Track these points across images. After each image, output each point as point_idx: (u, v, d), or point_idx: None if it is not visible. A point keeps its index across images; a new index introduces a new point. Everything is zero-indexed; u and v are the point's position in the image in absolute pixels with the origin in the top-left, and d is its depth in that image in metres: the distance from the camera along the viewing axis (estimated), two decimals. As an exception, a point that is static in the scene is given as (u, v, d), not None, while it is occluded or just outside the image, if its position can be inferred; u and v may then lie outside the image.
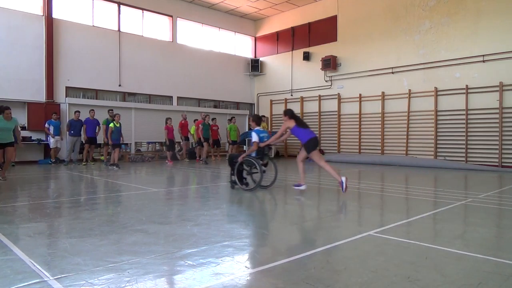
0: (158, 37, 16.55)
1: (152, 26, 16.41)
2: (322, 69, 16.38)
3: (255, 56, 19.92)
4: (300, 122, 6.94)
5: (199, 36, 17.94)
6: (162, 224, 4.32)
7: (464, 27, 12.66)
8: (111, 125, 11.62)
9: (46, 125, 12.47)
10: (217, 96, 18.52)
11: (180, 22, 17.20)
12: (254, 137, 6.97)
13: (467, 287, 2.54)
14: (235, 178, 7.02)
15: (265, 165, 7.18)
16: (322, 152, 16.29)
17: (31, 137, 12.92)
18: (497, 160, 11.89)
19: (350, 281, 2.63)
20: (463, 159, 12.51)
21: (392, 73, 14.46)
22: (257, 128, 7.22)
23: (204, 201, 6.13)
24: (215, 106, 18.53)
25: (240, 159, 6.95)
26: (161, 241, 3.62)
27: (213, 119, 14.96)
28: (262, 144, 6.95)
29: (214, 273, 2.78)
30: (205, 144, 13.79)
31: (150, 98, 16.33)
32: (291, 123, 6.82)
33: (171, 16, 16.84)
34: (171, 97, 16.92)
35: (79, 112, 12.56)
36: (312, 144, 6.69)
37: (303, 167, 6.92)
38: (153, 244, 3.47)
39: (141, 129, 15.39)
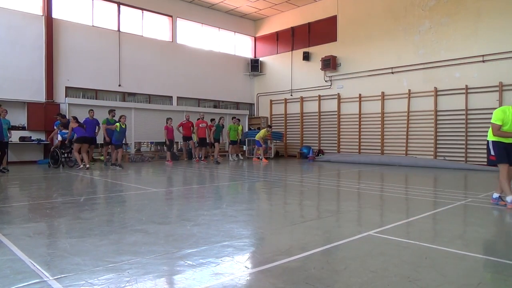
0: (158, 37, 16.55)
1: (152, 26, 16.40)
2: (322, 69, 16.38)
3: (255, 56, 19.92)
4: (80, 124, 11.27)
5: (199, 36, 17.94)
6: (162, 224, 4.32)
7: (464, 27, 12.66)
8: (117, 125, 11.68)
9: (55, 127, 12.52)
10: (217, 96, 18.52)
11: (180, 22, 17.20)
12: (59, 137, 11.70)
13: (467, 287, 2.54)
14: (51, 161, 11.62)
15: (70, 152, 11.72)
16: (322, 152, 16.30)
17: (30, 137, 12.92)
18: (497, 160, 11.87)
19: (350, 281, 2.63)
20: (463, 159, 12.52)
21: (392, 73, 14.46)
22: (63, 130, 11.67)
23: (204, 201, 6.13)
24: (215, 106, 18.53)
25: (52, 149, 11.73)
26: (161, 241, 3.62)
27: (212, 119, 14.99)
28: (66, 141, 11.48)
29: (214, 273, 2.77)
30: (216, 144, 14.20)
31: (150, 98, 16.33)
32: (74, 124, 11.18)
33: (171, 16, 16.84)
34: (171, 97, 16.92)
35: (65, 114, 12.63)
36: (82, 139, 11.06)
37: (80, 155, 11.00)
38: (153, 244, 3.47)
39: (141, 129, 15.39)
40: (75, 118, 11.36)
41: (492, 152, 5.50)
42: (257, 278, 2.74)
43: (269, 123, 18.11)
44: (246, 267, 2.98)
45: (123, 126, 11.80)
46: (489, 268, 2.94)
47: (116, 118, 12.40)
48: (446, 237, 3.87)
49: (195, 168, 12.04)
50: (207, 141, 14.45)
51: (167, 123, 13.90)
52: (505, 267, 2.95)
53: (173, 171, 11.22)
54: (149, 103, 16.21)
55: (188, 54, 17.34)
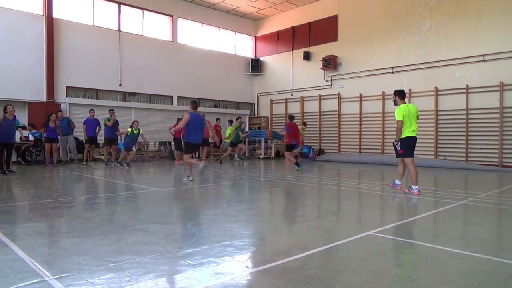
0: (158, 37, 16.54)
1: (152, 25, 16.39)
2: (322, 68, 16.37)
3: (255, 56, 19.91)
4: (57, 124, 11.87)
5: (199, 36, 17.93)
6: (163, 223, 4.33)
7: (464, 27, 12.65)
8: (129, 129, 11.69)
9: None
10: (217, 96, 18.51)
11: (180, 22, 17.20)
12: (30, 137, 12.04)
13: (467, 287, 2.54)
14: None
15: (40, 151, 12.34)
16: (322, 152, 16.30)
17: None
18: (497, 160, 11.89)
19: (350, 281, 2.63)
20: (464, 158, 12.51)
21: (393, 73, 14.46)
22: (33, 130, 12.22)
23: (204, 201, 6.14)
24: (215, 106, 18.52)
25: (23, 147, 12.02)
26: (162, 240, 3.63)
27: (217, 119, 15.00)
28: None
29: (214, 273, 2.78)
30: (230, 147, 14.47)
31: (150, 98, 16.33)
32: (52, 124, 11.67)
33: (171, 16, 16.84)
34: (171, 96, 16.92)
35: (61, 112, 12.61)
36: (49, 140, 11.62)
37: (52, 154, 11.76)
38: (153, 244, 3.47)
39: (142, 129, 15.35)
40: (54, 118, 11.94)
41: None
42: (258, 277, 2.75)
43: (300, 120, 17.77)
44: (246, 266, 2.98)
45: (135, 132, 11.78)
46: (489, 268, 2.95)
47: (120, 119, 12.48)
48: (446, 237, 3.87)
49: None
50: (210, 141, 14.46)
51: (177, 123, 14.08)
52: (505, 267, 2.95)
53: (173, 170, 11.23)
54: (150, 102, 16.21)
55: (189, 54, 17.33)
